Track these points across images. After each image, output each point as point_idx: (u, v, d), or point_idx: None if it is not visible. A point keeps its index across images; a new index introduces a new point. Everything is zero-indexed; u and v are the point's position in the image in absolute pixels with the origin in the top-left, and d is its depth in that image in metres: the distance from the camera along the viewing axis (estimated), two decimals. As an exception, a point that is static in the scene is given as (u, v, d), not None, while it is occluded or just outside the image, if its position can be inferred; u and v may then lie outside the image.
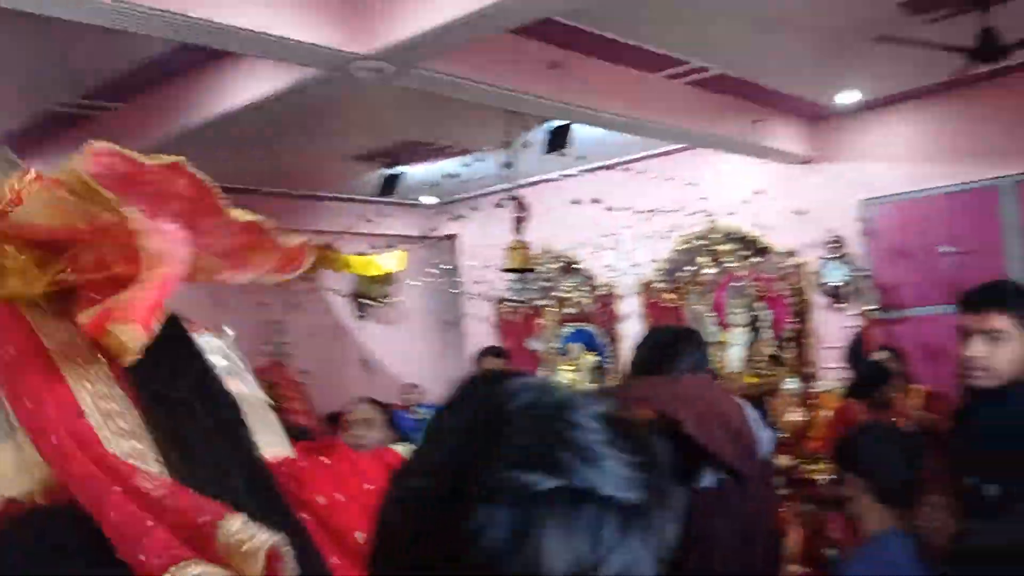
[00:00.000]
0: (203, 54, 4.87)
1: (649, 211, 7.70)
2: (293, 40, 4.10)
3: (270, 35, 4.02)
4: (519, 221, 6.04)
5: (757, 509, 2.28)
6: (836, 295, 6.92)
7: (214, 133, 5.52)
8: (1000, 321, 2.04)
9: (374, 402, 3.50)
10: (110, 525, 0.99)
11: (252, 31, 3.95)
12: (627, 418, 0.67)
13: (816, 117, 7.12)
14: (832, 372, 6.77)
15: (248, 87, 5.04)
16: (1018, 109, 6.24)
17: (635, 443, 0.65)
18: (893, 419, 4.82)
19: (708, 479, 2.14)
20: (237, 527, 0.96)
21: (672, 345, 2.43)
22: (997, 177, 6.35)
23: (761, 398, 5.73)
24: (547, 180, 8.39)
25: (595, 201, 7.18)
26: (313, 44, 4.18)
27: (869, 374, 4.96)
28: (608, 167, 7.90)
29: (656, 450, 0.67)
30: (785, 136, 6.99)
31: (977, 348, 2.07)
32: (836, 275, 6.92)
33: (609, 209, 7.30)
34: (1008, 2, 4.75)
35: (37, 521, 1.07)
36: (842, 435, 2.65)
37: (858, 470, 2.26)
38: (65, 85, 5.31)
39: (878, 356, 5.38)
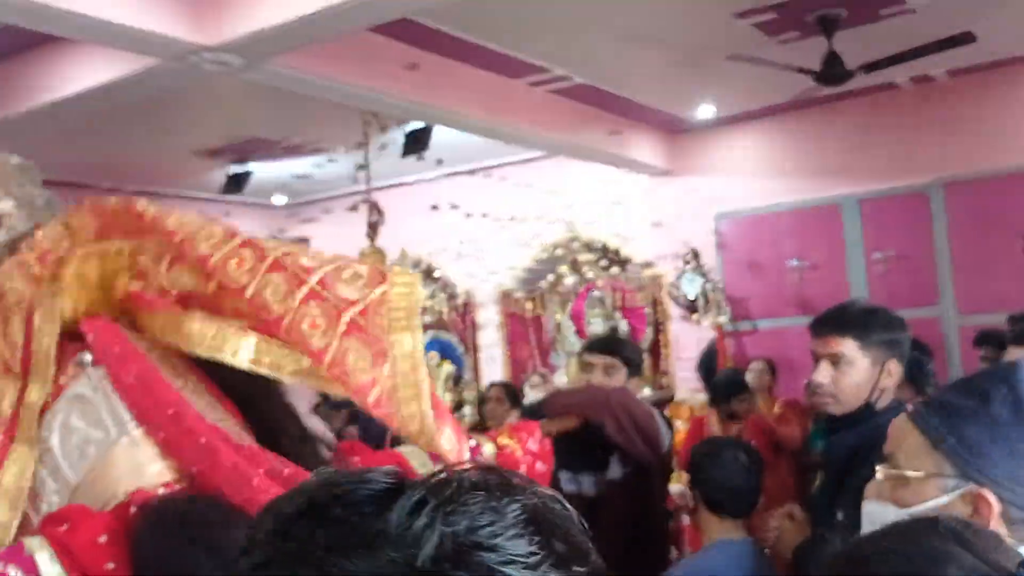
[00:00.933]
0: (30, 36, 4.42)
1: (509, 218, 7.63)
2: (132, 27, 3.78)
3: (106, 21, 3.67)
4: (373, 226, 5.80)
5: (656, 494, 2.84)
6: (691, 307, 7.05)
7: (41, 122, 5.07)
8: (842, 345, 2.01)
9: None
10: (257, 504, 1.08)
11: (87, 15, 3.60)
12: (548, 512, 0.51)
13: (675, 130, 7.25)
14: (687, 382, 6.90)
15: (81, 74, 4.65)
16: (859, 131, 6.56)
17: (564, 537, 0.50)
18: (741, 430, 4.93)
19: (615, 470, 2.64)
20: None
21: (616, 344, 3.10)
22: (840, 195, 6.65)
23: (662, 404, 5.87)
24: (405, 183, 8.19)
25: (454, 207, 7.03)
26: (153, 33, 3.88)
27: (723, 385, 5.06)
28: (468, 172, 7.78)
29: (578, 528, 0.52)
30: (645, 148, 7.08)
31: (822, 373, 2.04)
32: (691, 287, 7.05)
33: (468, 215, 7.18)
34: (851, 29, 4.95)
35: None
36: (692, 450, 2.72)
37: (694, 481, 2.35)
38: None
39: (753, 367, 5.49)
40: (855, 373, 2.00)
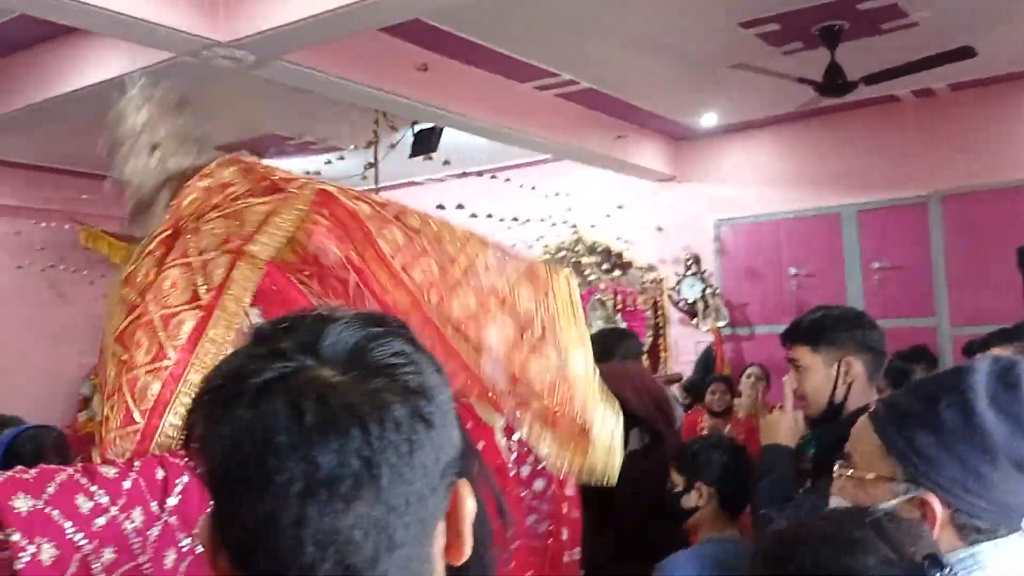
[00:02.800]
0: (46, 28, 4.52)
1: (513, 219, 7.72)
2: (146, 21, 3.86)
3: (121, 14, 3.77)
4: (381, 225, 5.88)
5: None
6: (691, 311, 7.13)
7: (55, 113, 5.18)
8: (798, 352, 2.15)
9: None
10: None
11: (102, 8, 3.69)
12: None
13: (679, 137, 7.34)
14: (684, 385, 6.97)
15: (97, 66, 4.73)
16: (860, 142, 6.63)
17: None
18: (732, 430, 5.04)
19: (635, 441, 2.88)
20: None
21: (614, 338, 3.35)
22: (840, 205, 6.73)
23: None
24: (413, 183, 8.28)
25: (459, 207, 7.11)
26: (167, 27, 3.96)
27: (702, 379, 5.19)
28: (476, 173, 7.87)
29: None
30: (649, 153, 7.16)
31: (790, 378, 2.20)
32: (691, 292, 7.14)
33: (473, 216, 7.26)
34: (854, 41, 5.03)
35: None
36: (686, 446, 2.77)
37: (709, 479, 2.41)
38: None
39: (749, 371, 5.59)
40: (813, 376, 2.12)
